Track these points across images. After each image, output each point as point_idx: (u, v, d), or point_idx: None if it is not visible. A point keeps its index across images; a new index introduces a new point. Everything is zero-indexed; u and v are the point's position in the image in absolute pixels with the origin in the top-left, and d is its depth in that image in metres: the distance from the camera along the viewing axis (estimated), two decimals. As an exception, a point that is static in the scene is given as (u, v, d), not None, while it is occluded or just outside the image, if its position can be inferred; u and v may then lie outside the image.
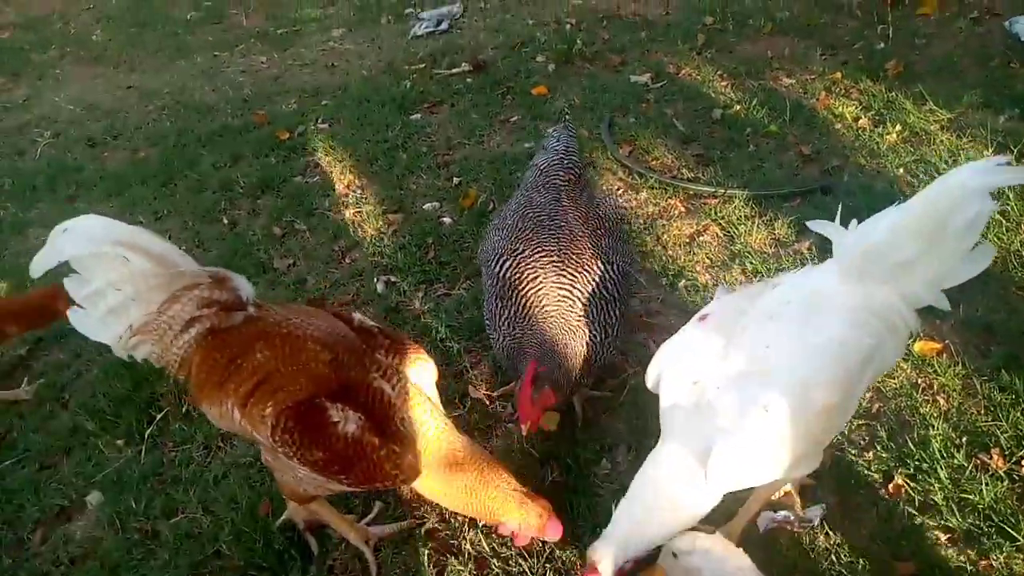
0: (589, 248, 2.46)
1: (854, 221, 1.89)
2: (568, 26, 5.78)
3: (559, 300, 2.35)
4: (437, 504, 2.22)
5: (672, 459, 1.84)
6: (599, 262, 2.44)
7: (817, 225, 1.97)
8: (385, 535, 2.32)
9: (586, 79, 4.98)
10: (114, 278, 1.86)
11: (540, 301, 2.35)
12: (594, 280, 2.40)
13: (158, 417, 2.85)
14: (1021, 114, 3.82)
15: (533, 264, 2.41)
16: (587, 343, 2.34)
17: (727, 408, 1.76)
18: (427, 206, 3.94)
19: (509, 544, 2.23)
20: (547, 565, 2.20)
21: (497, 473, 1.97)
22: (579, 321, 2.34)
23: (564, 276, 2.38)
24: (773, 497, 2.23)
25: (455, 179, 4.12)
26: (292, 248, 3.77)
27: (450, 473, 1.96)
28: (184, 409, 2.89)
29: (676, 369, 1.91)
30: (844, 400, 1.81)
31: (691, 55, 5.06)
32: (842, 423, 1.97)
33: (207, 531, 2.41)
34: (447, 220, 3.80)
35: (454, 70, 5.36)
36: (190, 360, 1.96)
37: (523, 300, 2.36)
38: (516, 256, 2.44)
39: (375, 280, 3.44)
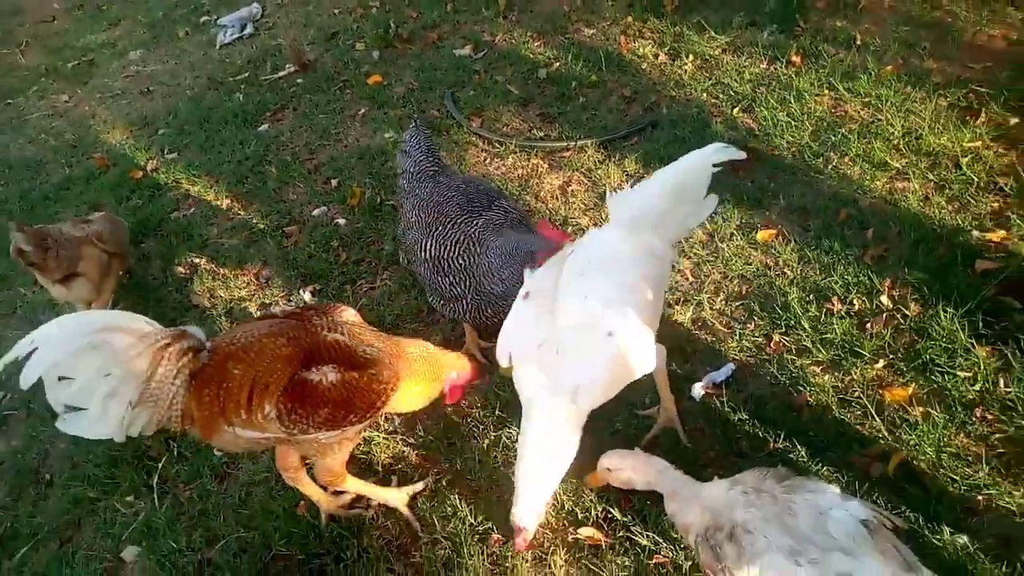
0: (485, 196, 2.97)
1: (626, 186, 2.54)
2: (374, 9, 6.07)
3: (484, 245, 2.84)
4: (448, 457, 2.74)
5: (543, 415, 2.28)
6: (498, 202, 2.96)
7: (609, 199, 2.51)
8: (416, 492, 2.79)
9: (413, 60, 5.36)
10: (100, 365, 2.05)
11: (471, 257, 2.82)
12: (500, 216, 2.91)
13: (160, 465, 3.08)
14: (779, 29, 4.71)
15: (449, 233, 2.87)
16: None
17: (575, 350, 2.25)
18: (316, 212, 4.24)
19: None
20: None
21: (425, 347, 2.55)
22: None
23: (474, 226, 2.86)
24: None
25: (332, 181, 4.42)
26: (204, 282, 3.94)
27: (411, 365, 2.47)
28: (177, 452, 3.14)
29: (521, 341, 2.37)
30: (654, 313, 2.43)
31: (498, 21, 5.57)
32: (655, 327, 2.48)
33: (257, 543, 2.75)
34: (342, 221, 4.13)
35: (280, 73, 5.52)
36: (189, 408, 2.22)
37: (457, 264, 2.83)
38: (433, 236, 2.89)
39: (300, 293, 3.74)
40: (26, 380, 1.99)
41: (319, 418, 2.26)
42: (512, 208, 2.98)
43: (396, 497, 2.74)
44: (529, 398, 2.32)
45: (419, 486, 2.81)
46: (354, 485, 2.68)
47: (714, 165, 2.40)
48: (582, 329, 2.27)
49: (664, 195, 2.41)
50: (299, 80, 5.43)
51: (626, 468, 2.33)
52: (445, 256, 2.88)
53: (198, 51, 6.22)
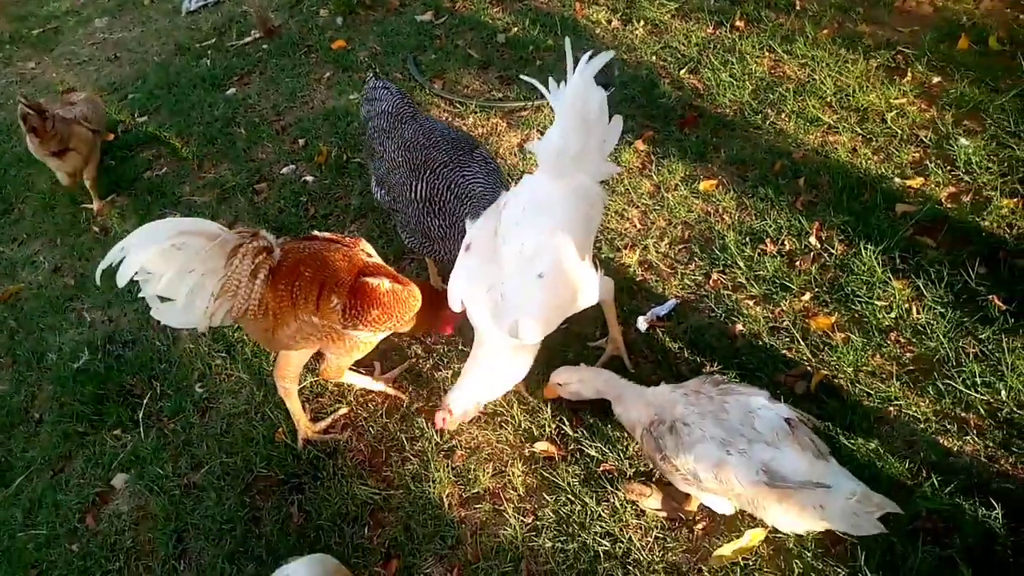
0: (466, 142, 3.16)
1: (545, 138, 2.66)
2: (337, -23, 6.21)
3: (477, 188, 3.01)
4: (415, 386, 3.01)
5: (490, 344, 2.62)
6: (478, 150, 3.15)
7: (532, 146, 2.73)
8: (395, 375, 3.15)
9: (376, 26, 5.53)
10: (183, 264, 2.38)
11: (462, 203, 2.99)
12: (483, 166, 3.09)
13: (144, 402, 3.29)
14: (724, -6, 4.98)
15: (442, 175, 3.02)
16: None
17: (514, 293, 2.51)
18: (285, 170, 4.43)
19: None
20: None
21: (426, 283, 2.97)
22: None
23: (467, 170, 3.04)
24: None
25: (300, 140, 4.61)
26: (178, 236, 4.12)
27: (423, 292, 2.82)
28: (160, 390, 3.35)
29: (471, 288, 2.62)
30: (585, 247, 2.65)
31: (457, -14, 5.76)
32: (588, 261, 2.71)
33: (239, 467, 2.99)
34: (310, 178, 4.33)
35: (246, 39, 5.66)
36: (265, 299, 2.55)
37: (449, 207, 3.00)
38: (423, 178, 3.03)
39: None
40: (122, 278, 2.33)
41: (369, 317, 2.62)
42: (490, 158, 3.18)
43: (383, 383, 3.11)
44: (480, 331, 2.64)
45: (397, 370, 3.16)
46: (349, 377, 3.05)
47: (596, 80, 2.55)
48: (519, 274, 2.51)
49: (569, 130, 2.53)
50: (265, 46, 5.58)
51: (573, 381, 2.61)
52: (437, 198, 3.03)
53: (164, 18, 6.32)
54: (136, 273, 2.34)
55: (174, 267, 2.37)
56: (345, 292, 2.59)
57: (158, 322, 3.52)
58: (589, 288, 2.67)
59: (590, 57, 2.54)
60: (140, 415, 3.26)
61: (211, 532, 2.82)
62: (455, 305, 2.68)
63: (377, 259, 2.79)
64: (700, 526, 2.52)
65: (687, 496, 2.53)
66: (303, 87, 5.07)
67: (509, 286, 2.51)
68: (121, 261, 2.33)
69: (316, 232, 2.80)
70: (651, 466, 2.56)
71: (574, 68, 2.53)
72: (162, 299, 2.44)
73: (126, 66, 5.77)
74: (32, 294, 4.03)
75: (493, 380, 2.67)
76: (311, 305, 2.57)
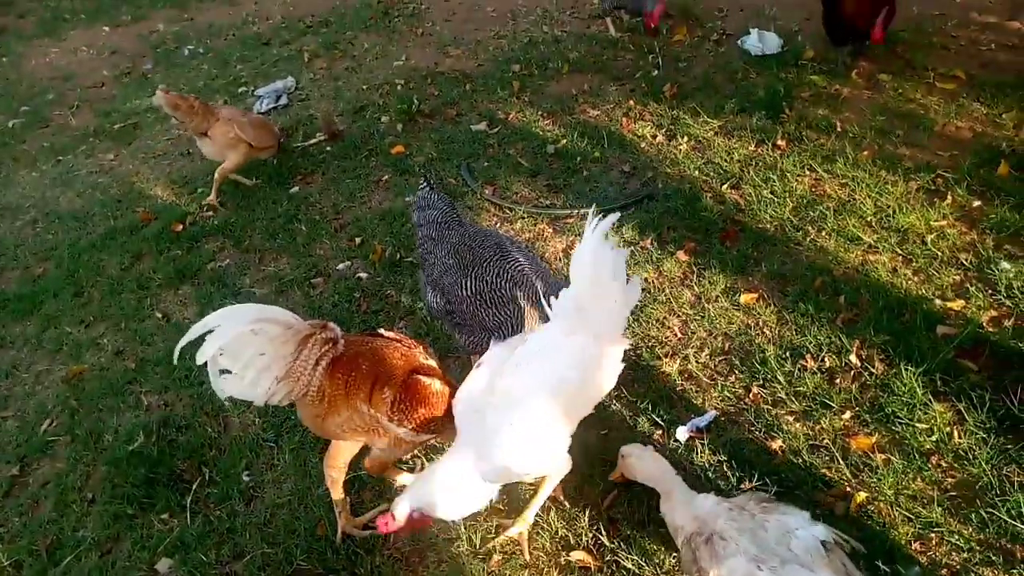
0: (510, 242, 3.33)
1: (564, 290, 2.74)
2: (399, 87, 6.62)
3: (525, 271, 3.18)
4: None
5: (464, 457, 2.63)
6: (524, 251, 3.31)
7: (551, 304, 2.75)
8: None
9: (433, 133, 5.85)
10: (257, 347, 2.55)
11: (514, 283, 3.13)
12: (527, 260, 3.27)
13: (193, 487, 3.40)
14: (767, 114, 5.19)
15: (491, 268, 3.18)
16: None
17: (491, 429, 2.56)
18: (340, 266, 4.65)
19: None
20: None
21: None
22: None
23: (511, 258, 3.20)
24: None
25: (356, 239, 4.84)
26: (235, 326, 4.32)
27: None
28: (208, 476, 3.46)
29: (466, 400, 2.70)
30: (576, 408, 2.71)
31: (512, 100, 6.09)
32: (567, 433, 2.73)
33: (280, 558, 3.04)
34: (364, 275, 4.52)
35: (312, 141, 6.02)
36: (322, 387, 2.69)
37: (500, 294, 3.12)
38: (473, 274, 3.18)
39: (325, 337, 4.10)
40: (201, 356, 2.49)
41: (416, 414, 2.72)
42: (533, 258, 3.35)
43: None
44: (456, 443, 2.71)
45: None
46: (392, 474, 3.17)
47: (607, 241, 2.61)
48: (501, 411, 2.57)
49: (586, 290, 2.61)
50: (328, 148, 5.92)
51: (634, 457, 2.76)
52: (488, 288, 3.15)
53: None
54: (214, 352, 2.50)
55: (250, 350, 2.55)
56: (396, 386, 2.72)
57: (211, 409, 3.78)
58: (553, 459, 2.73)
59: (600, 218, 2.64)
60: (188, 500, 3.36)
61: (249, 624, 2.86)
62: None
63: (434, 363, 2.91)
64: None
65: None
66: (362, 188, 5.35)
67: (489, 419, 2.58)
68: (203, 337, 2.50)
69: (382, 329, 2.95)
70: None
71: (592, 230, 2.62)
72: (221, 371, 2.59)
73: (197, 161, 6.15)
74: (94, 375, 4.22)
75: (450, 495, 2.65)
76: (363, 396, 2.71)
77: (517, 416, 2.56)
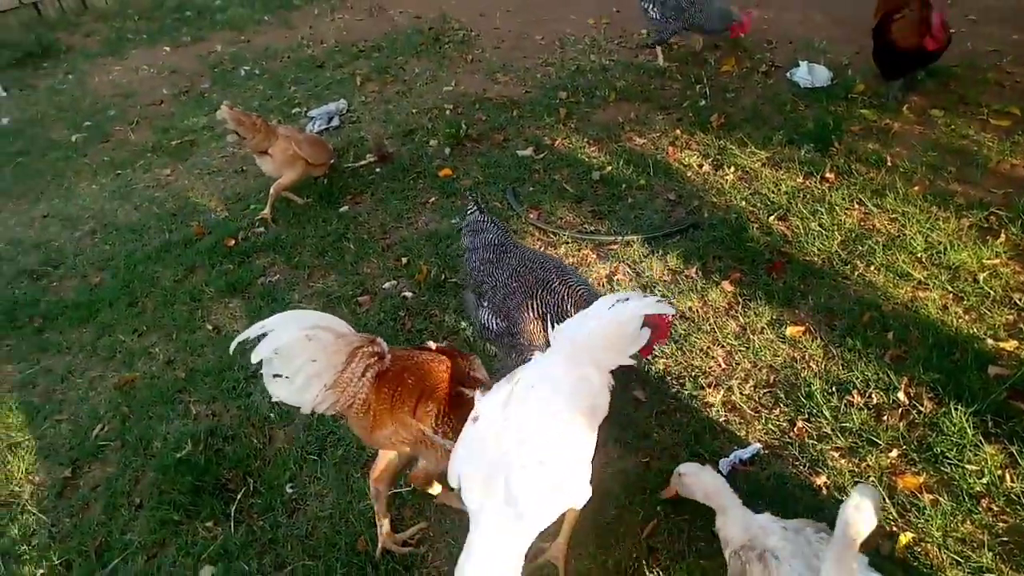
0: (565, 267, 3.42)
1: (568, 322, 2.77)
2: (447, 111, 6.73)
3: (585, 295, 3.25)
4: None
5: (489, 523, 2.39)
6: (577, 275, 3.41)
7: (554, 334, 2.76)
8: None
9: (480, 157, 5.93)
10: (310, 352, 2.62)
11: (579, 305, 3.15)
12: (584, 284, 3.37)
13: (238, 497, 3.46)
14: (816, 147, 5.17)
15: (558, 291, 3.27)
16: None
17: (516, 478, 2.39)
18: (386, 285, 4.72)
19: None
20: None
21: None
22: None
23: (572, 282, 3.29)
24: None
25: (403, 259, 4.92)
26: (282, 340, 4.41)
27: None
28: (253, 487, 3.53)
29: (469, 465, 2.49)
30: (586, 439, 2.61)
31: (559, 127, 6.15)
32: (588, 458, 2.64)
33: (320, 571, 3.08)
34: (409, 294, 4.59)
35: (361, 162, 6.14)
36: (368, 400, 2.75)
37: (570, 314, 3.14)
38: (539, 297, 3.27)
39: (369, 354, 4.17)
40: (257, 355, 2.57)
41: (461, 428, 2.70)
42: (586, 281, 3.44)
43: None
44: (473, 512, 2.45)
45: None
46: (437, 488, 3.16)
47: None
48: (520, 458, 2.43)
49: (599, 340, 2.61)
50: (378, 169, 6.04)
51: (692, 475, 2.80)
52: (555, 312, 3.23)
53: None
54: (271, 352, 2.58)
55: (303, 355, 2.62)
56: (441, 400, 2.78)
57: (257, 421, 3.85)
58: (581, 487, 2.62)
59: (659, 301, 2.63)
60: (232, 509, 3.42)
61: (288, 635, 2.90)
62: (452, 481, 2.55)
63: (482, 376, 2.94)
64: None
65: None
66: (409, 209, 5.45)
67: (513, 472, 2.41)
68: (259, 339, 2.58)
69: (430, 343, 3.00)
70: None
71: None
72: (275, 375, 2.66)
73: (250, 179, 6.31)
74: (145, 383, 4.33)
75: (494, 564, 2.41)
76: (408, 409, 2.77)
77: (546, 452, 2.46)
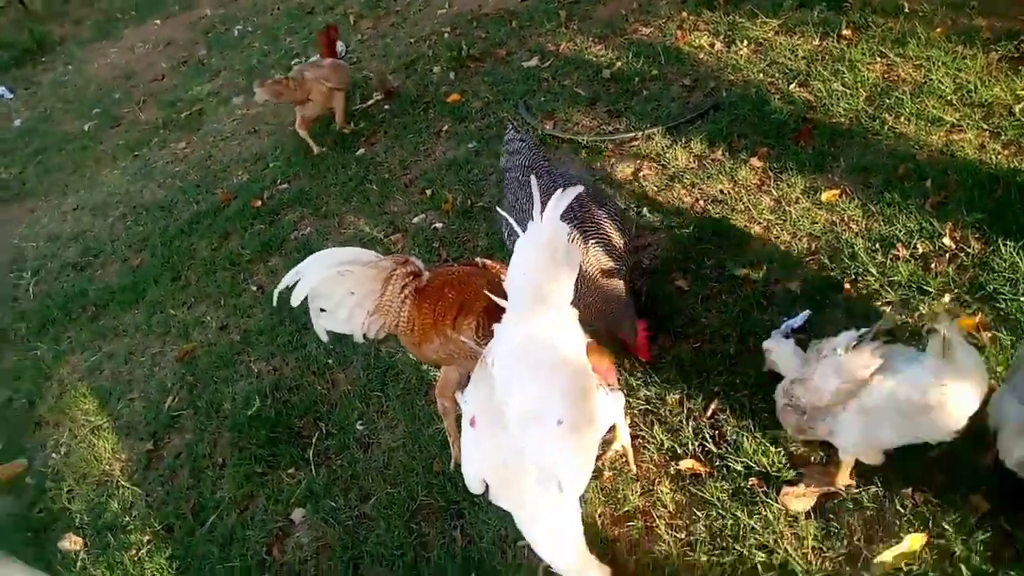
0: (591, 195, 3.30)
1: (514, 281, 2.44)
2: (446, 35, 6.61)
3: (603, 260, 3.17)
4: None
5: (535, 506, 2.32)
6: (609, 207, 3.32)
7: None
8: None
9: (486, 76, 5.84)
10: (346, 287, 2.75)
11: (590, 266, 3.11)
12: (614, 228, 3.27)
13: (313, 441, 3.62)
14: (828, 5, 4.97)
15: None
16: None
17: (541, 452, 2.26)
18: (415, 220, 4.75)
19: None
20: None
21: None
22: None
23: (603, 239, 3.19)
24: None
25: (426, 191, 4.93)
26: (326, 289, 4.50)
27: None
28: (325, 430, 3.67)
29: (486, 465, 2.36)
30: (584, 373, 2.46)
31: (561, 31, 6.00)
32: (591, 391, 2.50)
33: (404, 496, 3.22)
34: (439, 225, 4.62)
35: (369, 102, 6.10)
36: (412, 317, 2.87)
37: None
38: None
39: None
40: (295, 298, 2.72)
41: None
42: (615, 207, 3.38)
43: None
44: (511, 507, 2.38)
45: None
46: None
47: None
48: (535, 429, 2.28)
49: (533, 274, 2.36)
50: (386, 106, 6.00)
51: (774, 350, 2.82)
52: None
53: (292, 91, 6.85)
54: (307, 294, 2.71)
55: (340, 290, 2.76)
56: (479, 312, 2.83)
57: (317, 368, 3.97)
58: (604, 414, 2.59)
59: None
60: (310, 454, 3.57)
61: (384, 558, 3.06)
62: (477, 488, 2.42)
63: None
64: (857, 535, 2.53)
65: (836, 470, 2.61)
66: (424, 141, 5.42)
67: (532, 451, 2.28)
68: (295, 284, 2.71)
69: (478, 259, 3.07)
70: (791, 433, 2.66)
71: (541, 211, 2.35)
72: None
73: (264, 138, 6.33)
74: (204, 351, 4.48)
75: (553, 542, 2.38)
76: (449, 323, 2.85)
77: (557, 411, 2.29)
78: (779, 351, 2.79)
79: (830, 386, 2.43)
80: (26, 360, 4.86)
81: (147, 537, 3.55)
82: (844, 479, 2.63)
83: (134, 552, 3.49)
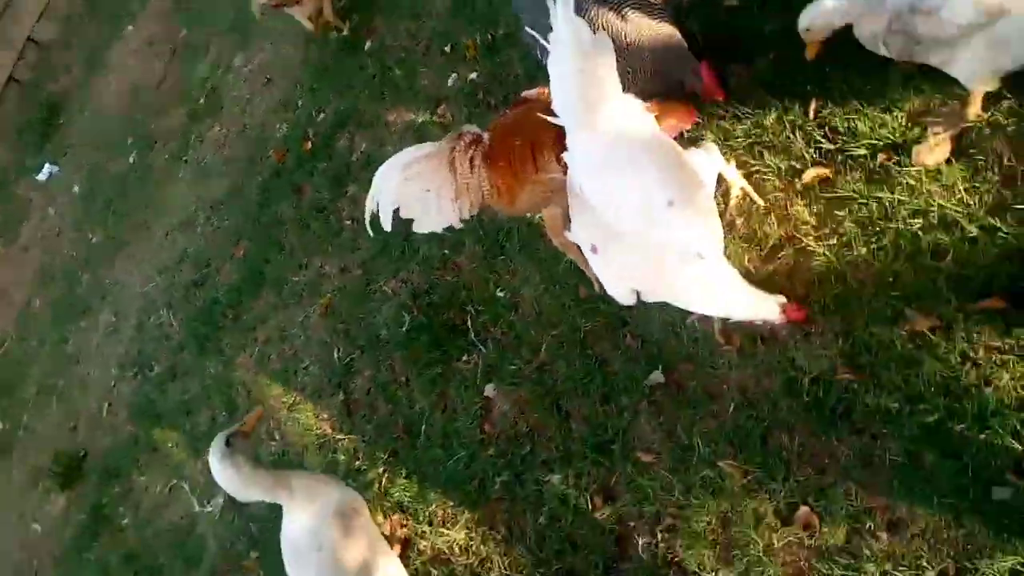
0: None
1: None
2: None
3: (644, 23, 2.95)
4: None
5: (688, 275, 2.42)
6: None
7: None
8: None
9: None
10: (420, 187, 2.77)
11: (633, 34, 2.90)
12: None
13: (469, 324, 3.82)
14: None
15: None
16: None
17: (668, 237, 2.32)
18: (450, 82, 4.65)
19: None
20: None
21: None
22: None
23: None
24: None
25: (445, 48, 4.77)
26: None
27: None
28: (475, 311, 3.84)
29: (627, 279, 2.50)
30: (669, 147, 2.47)
31: None
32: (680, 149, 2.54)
33: (568, 333, 3.38)
34: (473, 75, 4.50)
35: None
36: (494, 182, 2.85)
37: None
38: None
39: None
40: (386, 223, 2.77)
41: None
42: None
43: None
44: (665, 294, 2.52)
45: None
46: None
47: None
48: (654, 220, 2.31)
49: (575, 97, 2.29)
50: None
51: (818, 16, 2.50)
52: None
53: (282, 24, 6.61)
54: (393, 211, 2.75)
55: (416, 193, 2.77)
56: (551, 145, 2.74)
57: (437, 264, 4.10)
58: (704, 170, 2.55)
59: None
60: (472, 337, 3.78)
61: (578, 390, 3.26)
62: (629, 300, 2.54)
63: None
64: (1007, 155, 2.39)
65: (964, 105, 2.46)
66: (422, 2, 5.19)
67: (659, 239, 2.35)
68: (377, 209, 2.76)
69: (523, 93, 2.99)
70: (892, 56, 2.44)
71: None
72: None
73: (280, 81, 6.27)
74: (339, 297, 4.70)
75: (719, 301, 2.52)
76: (531, 168, 2.80)
77: (663, 192, 2.29)
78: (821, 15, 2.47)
79: (963, 19, 2.15)
80: (207, 380, 5.31)
81: (381, 468, 3.93)
82: (975, 110, 2.46)
83: (376, 487, 3.87)
